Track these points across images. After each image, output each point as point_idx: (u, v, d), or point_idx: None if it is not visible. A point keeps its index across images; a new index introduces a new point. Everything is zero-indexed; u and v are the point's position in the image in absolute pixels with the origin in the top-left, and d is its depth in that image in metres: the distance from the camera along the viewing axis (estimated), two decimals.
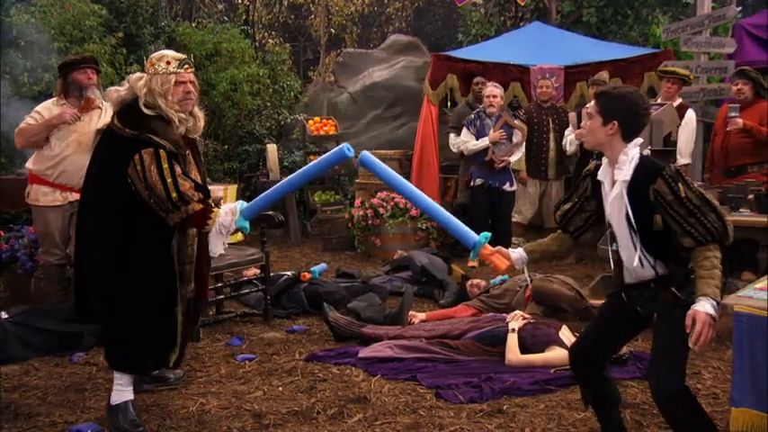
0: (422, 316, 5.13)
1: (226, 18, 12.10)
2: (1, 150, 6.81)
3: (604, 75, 7.32)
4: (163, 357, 3.50)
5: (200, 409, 3.67)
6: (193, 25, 10.66)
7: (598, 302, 5.13)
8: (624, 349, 4.17)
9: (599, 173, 2.92)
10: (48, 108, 4.98)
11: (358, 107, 11.38)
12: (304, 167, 3.62)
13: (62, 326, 4.62)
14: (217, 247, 3.49)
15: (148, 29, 8.91)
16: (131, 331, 3.39)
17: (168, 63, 3.45)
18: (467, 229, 3.38)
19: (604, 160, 2.90)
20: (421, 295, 5.97)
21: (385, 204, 7.56)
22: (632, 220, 2.77)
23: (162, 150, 3.29)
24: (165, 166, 3.28)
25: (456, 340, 4.51)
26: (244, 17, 13.51)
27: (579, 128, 7.05)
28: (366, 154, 3.52)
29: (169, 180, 3.28)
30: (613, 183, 2.83)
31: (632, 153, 2.80)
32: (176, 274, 3.43)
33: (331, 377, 4.12)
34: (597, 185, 2.95)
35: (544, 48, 8.71)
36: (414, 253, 6.66)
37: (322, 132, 9.60)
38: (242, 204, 3.47)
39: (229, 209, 3.44)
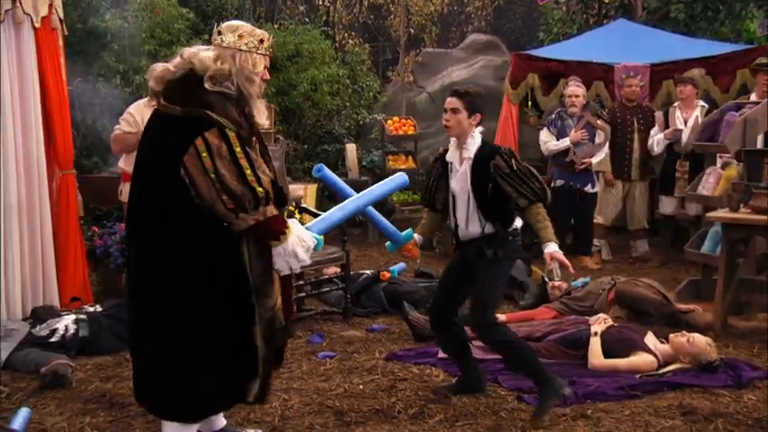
0: (501, 317, 5.07)
1: (307, 19, 12.30)
2: (94, 150, 7.09)
3: (695, 72, 7.09)
4: (237, 393, 2.87)
5: (283, 404, 3.73)
6: (275, 27, 10.87)
7: (685, 306, 4.99)
8: (715, 356, 4.04)
9: (447, 156, 3.68)
10: (139, 109, 5.16)
11: (437, 107, 11.34)
12: (370, 190, 3.51)
13: None
14: (279, 265, 2.82)
15: None
16: (189, 365, 2.72)
17: (261, 42, 2.84)
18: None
19: (452, 144, 3.65)
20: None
21: None
22: (471, 189, 3.56)
23: (230, 131, 2.66)
24: (238, 150, 2.65)
25: (537, 342, 4.44)
26: (324, 18, 13.66)
27: (667, 127, 6.87)
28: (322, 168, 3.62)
29: (248, 170, 2.65)
30: (462, 161, 3.60)
31: (477, 137, 3.59)
32: (251, 287, 2.77)
33: (411, 376, 4.12)
34: (445, 166, 3.68)
35: (629, 45, 8.48)
36: None
37: (401, 132, 9.62)
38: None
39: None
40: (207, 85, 2.69)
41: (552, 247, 3.46)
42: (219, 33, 2.80)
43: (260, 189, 2.66)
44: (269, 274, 2.82)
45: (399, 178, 3.65)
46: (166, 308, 2.72)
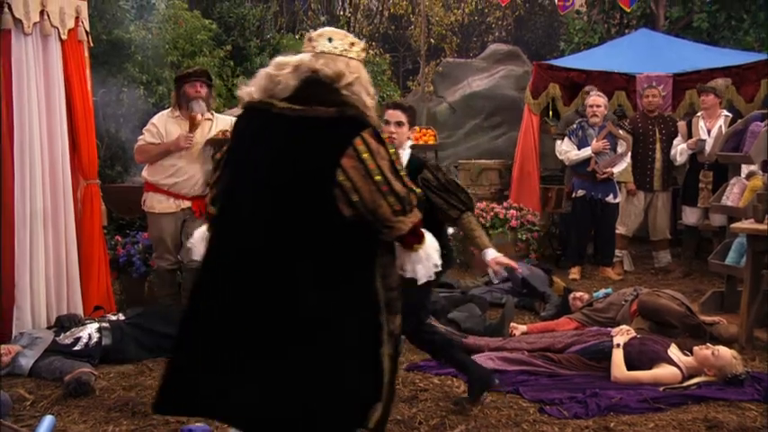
0: (523, 328, 5.06)
1: None
2: (118, 160, 7.17)
3: (719, 82, 7.04)
4: (358, 418, 2.52)
5: None
6: (297, 37, 10.96)
7: (710, 318, 4.94)
8: (740, 369, 3.99)
9: None
10: (162, 120, 5.21)
11: (457, 117, 11.36)
12: None
13: (173, 329, 4.76)
14: (422, 272, 2.65)
15: (254, 42, 9.21)
16: (316, 391, 2.43)
17: (364, 51, 2.72)
18: None
19: None
20: (521, 307, 5.88)
21: (484, 215, 7.50)
22: None
23: (382, 133, 2.51)
24: (393, 150, 2.50)
25: (559, 354, 4.42)
26: (345, 28, 13.73)
27: (690, 137, 6.82)
28: None
29: (402, 171, 2.50)
30: None
31: (408, 150, 3.70)
32: (381, 303, 2.54)
33: (432, 387, 4.11)
34: None
35: (651, 55, 8.45)
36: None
37: (421, 142, 9.61)
38: None
39: None
40: (344, 92, 2.52)
41: (493, 253, 3.50)
42: (330, 41, 2.58)
43: (418, 190, 2.61)
44: (400, 288, 2.65)
45: None
46: (294, 322, 2.44)
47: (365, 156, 2.38)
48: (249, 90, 2.57)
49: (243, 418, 2.51)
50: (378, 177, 2.39)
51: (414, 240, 2.57)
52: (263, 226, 2.45)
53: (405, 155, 3.64)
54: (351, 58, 2.58)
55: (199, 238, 2.86)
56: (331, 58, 2.54)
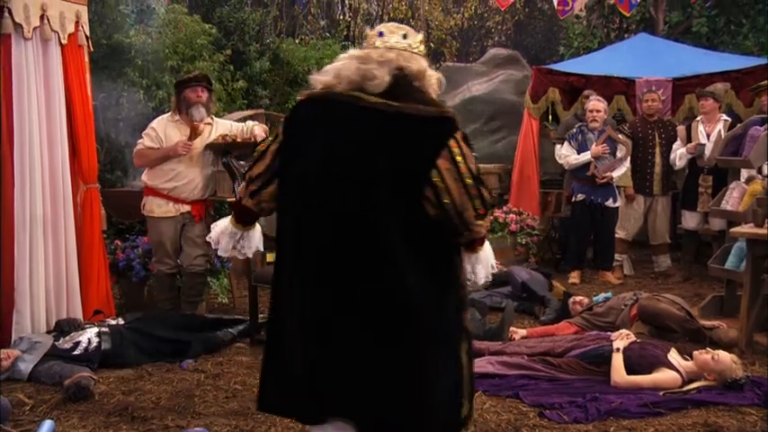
0: (523, 332, 5.06)
1: (327, 34, 12.38)
2: (117, 164, 7.17)
3: (719, 86, 7.05)
4: (456, 413, 2.54)
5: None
6: (297, 42, 10.97)
7: (709, 323, 4.94)
8: (740, 373, 3.99)
9: None
10: (162, 125, 5.22)
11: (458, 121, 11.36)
12: None
13: (172, 333, 4.81)
14: (482, 273, 2.64)
15: (254, 46, 9.22)
16: (422, 387, 2.42)
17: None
18: None
19: None
20: (521, 311, 5.88)
21: None
22: None
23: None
24: (474, 153, 2.50)
25: (558, 358, 4.42)
26: (345, 33, 13.76)
27: (689, 142, 6.82)
28: None
29: (482, 174, 2.52)
30: None
31: None
32: (465, 300, 2.62)
33: None
34: None
35: (650, 59, 8.46)
36: (514, 268, 6.57)
37: None
38: None
39: None
40: (430, 91, 2.51)
41: None
42: (405, 37, 2.53)
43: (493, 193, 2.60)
44: (465, 287, 2.65)
45: None
46: (388, 318, 2.41)
47: (459, 158, 2.36)
48: (325, 79, 2.48)
49: (354, 417, 2.48)
50: (468, 180, 2.38)
51: (479, 243, 2.57)
52: (350, 219, 2.38)
53: None
54: (421, 55, 2.56)
55: (221, 232, 2.81)
56: (408, 55, 2.50)
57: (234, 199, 2.87)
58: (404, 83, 2.45)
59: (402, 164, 2.36)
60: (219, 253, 2.87)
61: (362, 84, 2.43)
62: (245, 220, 2.77)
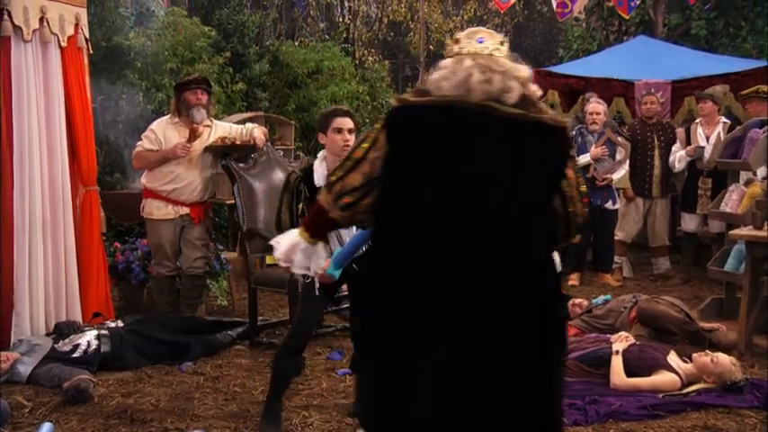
0: None
1: (327, 36, 12.40)
2: (116, 166, 7.17)
3: (718, 89, 7.05)
4: None
5: (303, 421, 3.73)
6: (296, 44, 10.97)
7: (709, 325, 4.94)
8: (739, 376, 3.99)
9: (318, 179, 3.54)
10: (161, 127, 5.22)
11: None
12: None
13: (171, 335, 4.82)
14: None
15: (254, 48, 9.21)
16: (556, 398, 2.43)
17: None
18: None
19: (322, 165, 3.58)
20: None
21: None
22: None
23: None
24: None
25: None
26: (344, 35, 13.77)
27: (689, 144, 6.83)
28: None
29: None
30: None
31: None
32: None
33: None
34: (314, 189, 3.50)
35: (649, 62, 8.47)
36: None
37: None
38: (336, 252, 2.97)
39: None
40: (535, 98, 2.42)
41: None
42: (502, 44, 2.44)
43: None
44: None
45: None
46: (551, 343, 2.36)
47: (575, 167, 2.39)
48: (453, 91, 2.32)
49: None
50: (583, 189, 2.39)
51: None
52: (495, 231, 2.26)
53: None
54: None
55: (292, 248, 2.62)
56: (513, 63, 2.41)
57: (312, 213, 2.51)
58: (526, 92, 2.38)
59: (541, 173, 2.33)
60: (295, 270, 2.69)
61: (500, 95, 2.32)
62: (321, 233, 2.63)
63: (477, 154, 2.29)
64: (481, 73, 2.31)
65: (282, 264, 2.68)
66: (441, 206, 2.27)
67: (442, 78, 2.33)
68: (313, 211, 2.59)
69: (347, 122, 3.66)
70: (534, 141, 2.32)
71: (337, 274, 2.89)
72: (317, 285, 3.25)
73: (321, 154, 3.68)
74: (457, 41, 2.42)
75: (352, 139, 3.63)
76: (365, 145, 2.42)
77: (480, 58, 2.35)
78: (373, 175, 2.38)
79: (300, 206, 3.60)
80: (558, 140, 2.36)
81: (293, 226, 3.35)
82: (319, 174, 3.58)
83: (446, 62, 2.38)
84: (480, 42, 2.39)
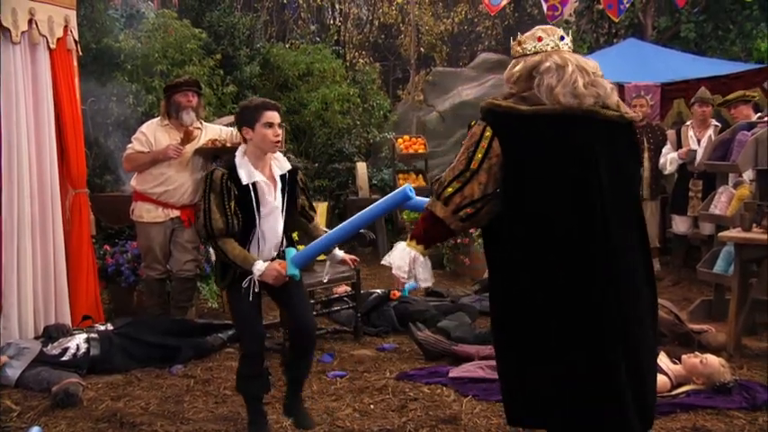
0: None
1: (318, 38, 12.38)
2: (106, 169, 7.14)
3: (703, 90, 7.08)
4: None
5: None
6: (287, 46, 10.96)
7: (698, 327, 4.96)
8: (728, 377, 4.00)
9: (243, 177, 3.38)
10: (151, 129, 5.20)
11: (447, 125, 11.39)
12: (362, 212, 3.17)
13: (162, 338, 4.80)
14: None
15: (244, 50, 9.20)
16: None
17: None
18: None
19: (247, 163, 3.41)
20: None
21: None
22: (285, 207, 3.52)
23: None
24: None
25: None
26: (335, 37, 13.75)
27: (680, 146, 6.85)
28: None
29: None
30: (272, 178, 3.48)
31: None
32: None
33: (422, 396, 4.11)
34: (243, 189, 3.39)
35: (639, 65, 8.51)
36: None
37: (411, 151, 9.64)
38: (290, 252, 3.35)
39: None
40: None
41: (340, 253, 3.72)
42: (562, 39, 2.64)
43: None
44: None
45: (402, 193, 3.06)
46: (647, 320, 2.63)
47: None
48: (566, 99, 2.44)
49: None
50: None
51: None
52: (626, 220, 2.54)
53: (281, 157, 3.58)
54: None
55: (413, 262, 2.64)
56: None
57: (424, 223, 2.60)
58: None
59: (636, 169, 2.74)
60: (423, 284, 2.69)
61: (606, 100, 2.49)
62: (432, 245, 2.67)
63: (597, 160, 2.44)
64: (582, 76, 2.47)
65: (404, 279, 2.67)
66: (575, 211, 2.43)
67: (554, 86, 2.44)
68: (426, 224, 2.58)
69: (277, 117, 3.44)
70: (629, 140, 2.59)
71: (298, 275, 3.29)
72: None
73: (241, 149, 3.47)
74: (540, 39, 2.57)
75: (281, 133, 3.48)
76: (479, 155, 2.47)
77: (568, 56, 2.52)
78: (490, 185, 2.48)
79: (232, 205, 3.36)
80: (635, 135, 2.68)
81: (228, 228, 3.35)
82: (245, 171, 3.40)
83: (547, 65, 2.48)
84: (562, 40, 2.58)
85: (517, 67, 2.58)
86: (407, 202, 3.04)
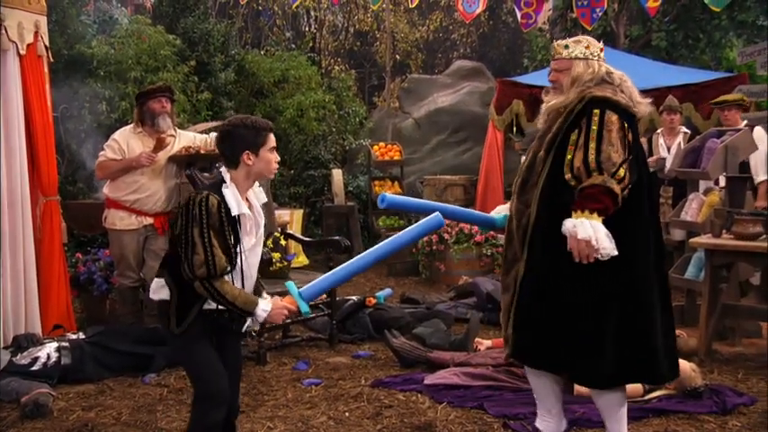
0: (488, 343, 5.08)
1: (293, 46, 12.36)
2: (79, 176, 7.07)
3: (671, 98, 7.18)
4: None
5: None
6: (262, 53, 10.94)
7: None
8: (699, 382, 4.05)
9: (233, 208, 2.79)
10: (124, 136, 5.16)
11: (422, 132, 11.43)
12: (387, 241, 3.02)
13: (134, 347, 4.75)
14: None
15: (219, 57, 9.16)
16: None
17: None
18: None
19: (235, 192, 2.83)
20: (486, 322, 5.90)
21: (449, 230, 7.54)
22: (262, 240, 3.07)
23: None
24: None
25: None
26: (311, 44, 13.74)
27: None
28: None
29: None
30: (252, 208, 2.94)
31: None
32: None
33: (397, 403, 4.11)
34: (232, 221, 2.81)
35: None
36: (479, 279, 6.62)
37: (387, 158, 9.66)
38: (292, 286, 2.89)
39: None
40: None
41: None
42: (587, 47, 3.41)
43: None
44: None
45: (436, 220, 3.07)
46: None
47: None
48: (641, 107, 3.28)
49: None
50: None
51: None
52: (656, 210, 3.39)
53: (257, 188, 3.04)
54: None
55: (606, 236, 2.98)
56: None
57: None
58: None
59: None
60: (611, 253, 2.98)
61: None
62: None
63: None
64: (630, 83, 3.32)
65: (604, 251, 2.98)
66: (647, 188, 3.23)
67: (633, 93, 3.27)
68: (608, 200, 3.01)
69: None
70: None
71: (309, 311, 2.92)
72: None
73: (227, 175, 2.87)
74: (587, 47, 3.38)
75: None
76: (627, 143, 3.11)
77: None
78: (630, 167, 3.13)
79: (232, 239, 2.82)
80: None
81: (230, 267, 2.82)
82: (234, 200, 2.83)
83: (619, 74, 3.35)
84: (602, 52, 3.40)
85: (590, 70, 3.28)
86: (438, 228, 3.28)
